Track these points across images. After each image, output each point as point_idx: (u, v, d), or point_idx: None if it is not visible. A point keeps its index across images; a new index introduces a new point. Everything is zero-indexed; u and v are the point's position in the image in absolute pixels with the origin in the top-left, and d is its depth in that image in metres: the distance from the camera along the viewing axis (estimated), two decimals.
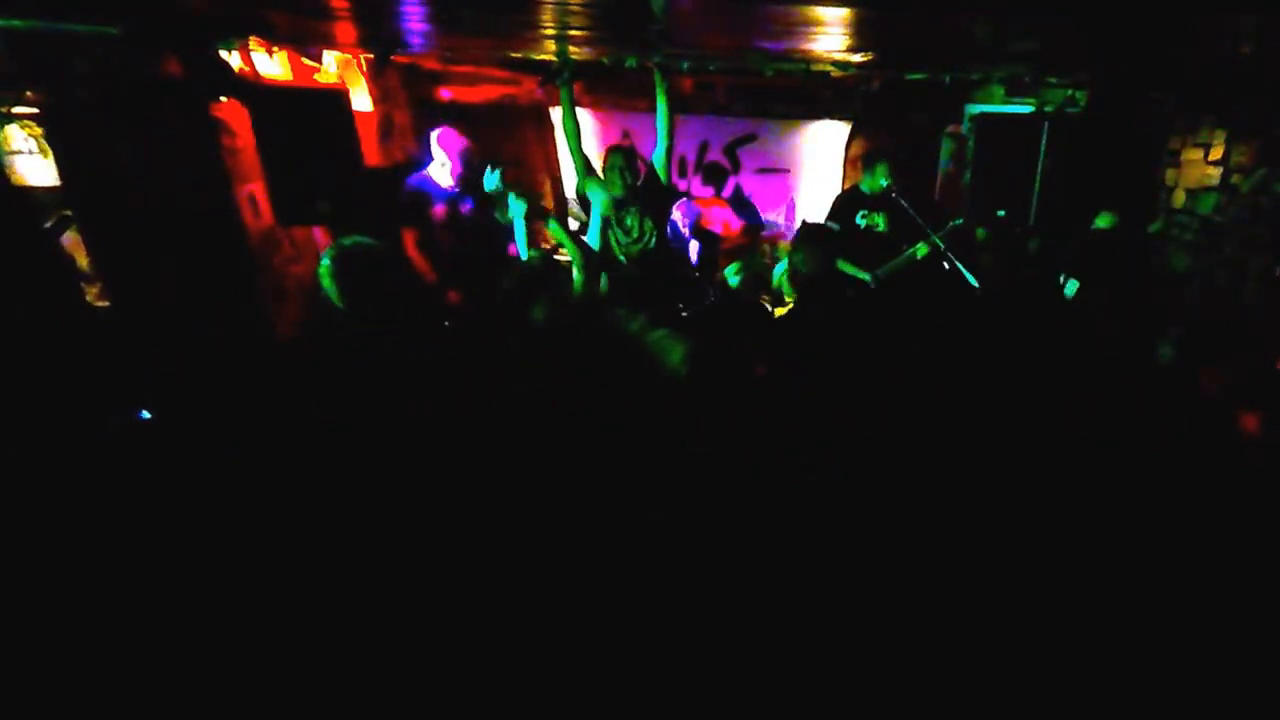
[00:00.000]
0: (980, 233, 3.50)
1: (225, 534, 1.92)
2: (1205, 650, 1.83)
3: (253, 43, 2.92)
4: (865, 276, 3.53)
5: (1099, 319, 3.40)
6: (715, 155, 5.17)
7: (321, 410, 1.91)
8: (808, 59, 3.36)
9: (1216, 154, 3.32)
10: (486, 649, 1.75)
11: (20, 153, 2.85)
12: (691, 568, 1.98)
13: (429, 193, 3.27)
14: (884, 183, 3.47)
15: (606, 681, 1.72)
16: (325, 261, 1.96)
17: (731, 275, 3.23)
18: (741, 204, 5.03)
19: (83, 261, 2.83)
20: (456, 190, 3.30)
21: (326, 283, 1.96)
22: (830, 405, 2.51)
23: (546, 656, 1.75)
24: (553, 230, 2.84)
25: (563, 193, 5.26)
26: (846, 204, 3.63)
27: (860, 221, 3.57)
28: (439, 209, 3.27)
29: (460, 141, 3.27)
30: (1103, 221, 3.50)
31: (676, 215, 4.14)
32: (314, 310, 2.34)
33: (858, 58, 3.29)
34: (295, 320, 3.22)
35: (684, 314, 3.27)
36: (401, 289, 2.09)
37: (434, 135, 3.28)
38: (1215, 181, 3.33)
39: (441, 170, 3.27)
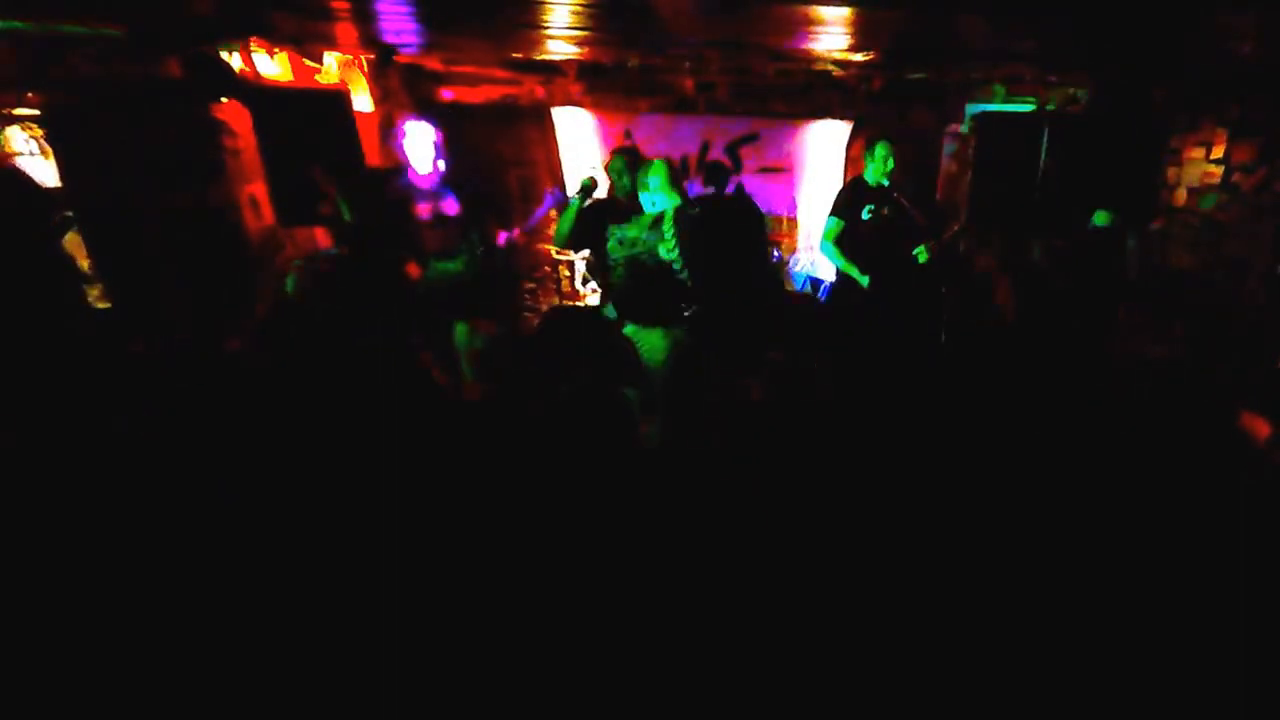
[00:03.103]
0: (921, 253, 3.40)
1: (226, 535, 1.92)
2: (1205, 647, 1.83)
3: (253, 43, 2.92)
4: (863, 280, 3.48)
5: (1097, 317, 3.40)
6: (717, 154, 5.17)
7: (313, 414, 1.90)
8: (809, 58, 3.36)
9: (1218, 152, 3.32)
10: (488, 649, 1.75)
11: (21, 154, 2.85)
12: (694, 569, 1.98)
13: (413, 191, 3.13)
14: (889, 166, 3.43)
15: (609, 680, 1.72)
16: (290, 279, 1.94)
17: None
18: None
19: (84, 263, 2.82)
20: (435, 186, 3.19)
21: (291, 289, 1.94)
22: (828, 409, 2.51)
23: (548, 656, 1.75)
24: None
25: (561, 193, 5.25)
26: (850, 197, 3.60)
27: (866, 215, 3.53)
28: (423, 207, 3.17)
29: (427, 130, 3.11)
30: (1100, 219, 3.48)
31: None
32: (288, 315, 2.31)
33: (859, 57, 3.29)
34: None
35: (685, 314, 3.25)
36: (367, 305, 2.05)
37: (402, 132, 3.10)
38: (1217, 180, 3.33)
39: (419, 167, 3.12)
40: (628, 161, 3.10)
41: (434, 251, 3.19)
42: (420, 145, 3.09)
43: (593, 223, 3.06)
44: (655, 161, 2.76)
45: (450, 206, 3.23)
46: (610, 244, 2.95)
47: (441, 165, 3.16)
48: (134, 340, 2.73)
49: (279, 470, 1.89)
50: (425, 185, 3.16)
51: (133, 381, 2.57)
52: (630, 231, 2.92)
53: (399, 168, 3.37)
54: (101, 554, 1.91)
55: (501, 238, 3.33)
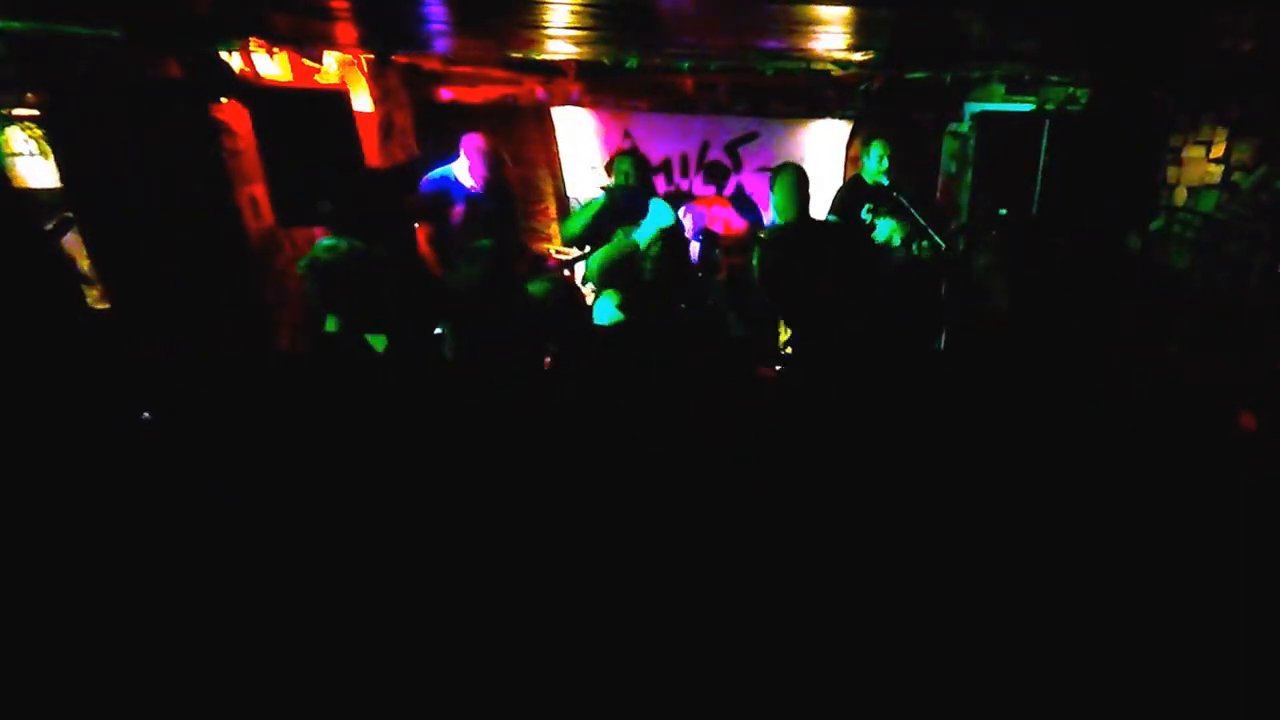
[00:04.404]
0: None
1: (227, 538, 1.92)
2: (1204, 651, 1.83)
3: (253, 44, 2.92)
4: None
5: (1097, 317, 3.40)
6: (716, 154, 5.18)
7: (322, 415, 1.90)
8: (808, 58, 3.36)
9: (1218, 151, 3.32)
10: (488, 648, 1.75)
11: (21, 155, 2.85)
12: (691, 568, 1.98)
13: (450, 191, 3.31)
14: (884, 165, 3.43)
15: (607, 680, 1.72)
16: (302, 264, 1.94)
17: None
18: (743, 202, 5.04)
19: (83, 263, 2.82)
20: (479, 191, 3.32)
21: (308, 285, 1.95)
22: (830, 404, 2.50)
23: (546, 655, 1.75)
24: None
25: (564, 192, 5.26)
26: (849, 196, 3.60)
27: (866, 215, 3.53)
28: (459, 209, 3.29)
29: (484, 146, 3.36)
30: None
31: (685, 221, 4.11)
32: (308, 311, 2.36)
33: (858, 56, 3.29)
34: (297, 321, 3.22)
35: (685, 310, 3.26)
36: (388, 293, 2.06)
37: (462, 143, 3.36)
38: (1216, 179, 3.32)
39: (466, 170, 3.31)
40: (634, 161, 3.13)
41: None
42: (472, 157, 3.26)
43: (608, 225, 3.11)
44: (784, 171, 2.74)
45: (484, 207, 3.33)
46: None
47: (487, 176, 3.30)
48: (134, 341, 2.74)
49: (287, 470, 1.89)
50: (469, 190, 3.29)
51: (133, 382, 2.57)
52: (636, 235, 2.93)
53: (406, 166, 3.42)
54: (102, 554, 1.91)
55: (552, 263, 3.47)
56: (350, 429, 1.89)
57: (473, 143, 3.37)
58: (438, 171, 3.39)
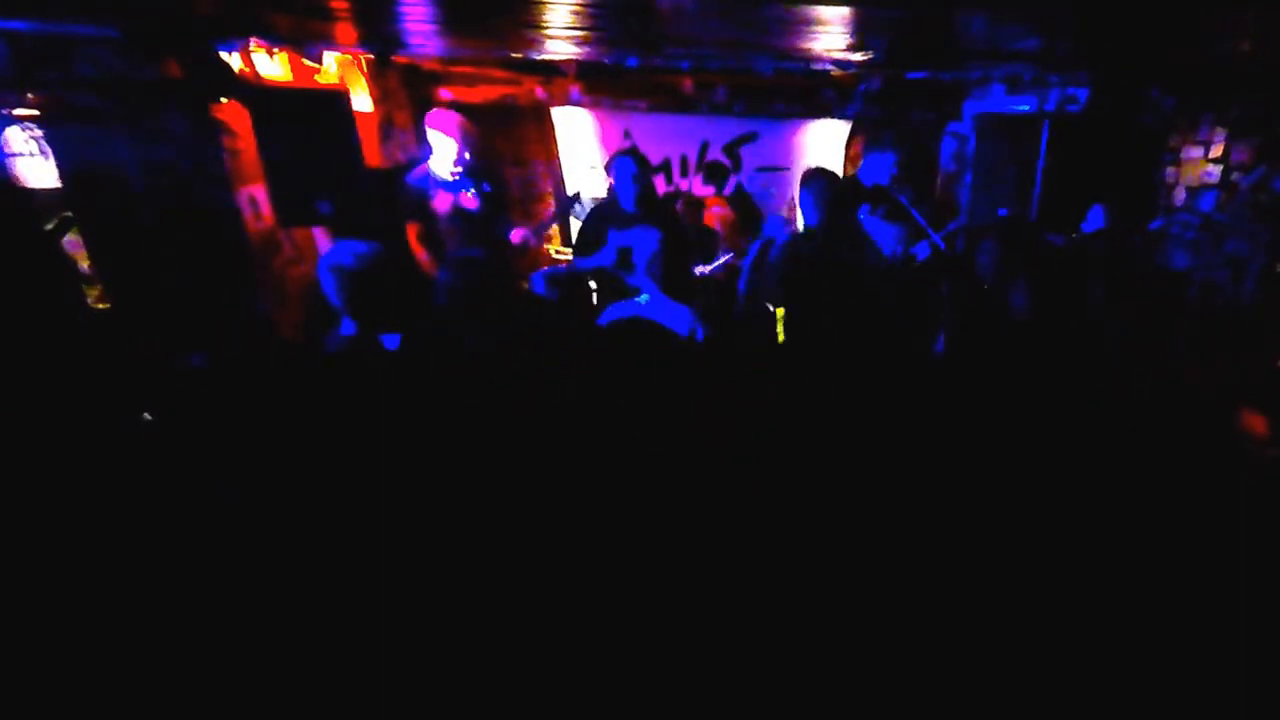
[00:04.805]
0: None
1: (228, 537, 1.92)
2: (1204, 649, 1.83)
3: (253, 44, 2.92)
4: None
5: (1099, 318, 3.40)
6: (716, 154, 5.17)
7: (327, 414, 1.90)
8: (808, 58, 3.36)
9: (1216, 152, 3.33)
10: (490, 646, 1.76)
11: (21, 155, 2.85)
12: (691, 566, 1.98)
13: (426, 189, 3.17)
14: (894, 173, 3.43)
15: (608, 678, 1.72)
16: (323, 267, 1.94)
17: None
18: (743, 202, 5.04)
19: (84, 263, 2.82)
20: (458, 178, 3.18)
21: (331, 288, 1.95)
22: (830, 407, 2.51)
23: (546, 652, 1.75)
24: None
25: (564, 192, 5.26)
26: (847, 198, 3.60)
27: (863, 216, 3.53)
28: (440, 202, 3.20)
29: (455, 119, 3.12)
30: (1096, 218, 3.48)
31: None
32: (315, 310, 2.35)
33: (859, 57, 3.29)
34: (297, 321, 3.22)
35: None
36: (401, 291, 2.07)
37: (427, 121, 3.13)
38: (1215, 179, 3.33)
39: (441, 160, 3.15)
40: (636, 160, 3.11)
41: (455, 247, 3.21)
42: (444, 135, 3.09)
43: (596, 229, 3.13)
44: (813, 177, 2.74)
45: (470, 201, 3.22)
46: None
47: (467, 156, 3.16)
48: (134, 341, 2.74)
49: (285, 470, 1.89)
50: (446, 177, 3.16)
51: (133, 382, 2.57)
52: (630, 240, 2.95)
53: (406, 166, 3.36)
54: (103, 554, 1.91)
55: (517, 236, 3.33)
56: (365, 427, 1.89)
57: (441, 121, 3.08)
58: (418, 170, 3.23)
